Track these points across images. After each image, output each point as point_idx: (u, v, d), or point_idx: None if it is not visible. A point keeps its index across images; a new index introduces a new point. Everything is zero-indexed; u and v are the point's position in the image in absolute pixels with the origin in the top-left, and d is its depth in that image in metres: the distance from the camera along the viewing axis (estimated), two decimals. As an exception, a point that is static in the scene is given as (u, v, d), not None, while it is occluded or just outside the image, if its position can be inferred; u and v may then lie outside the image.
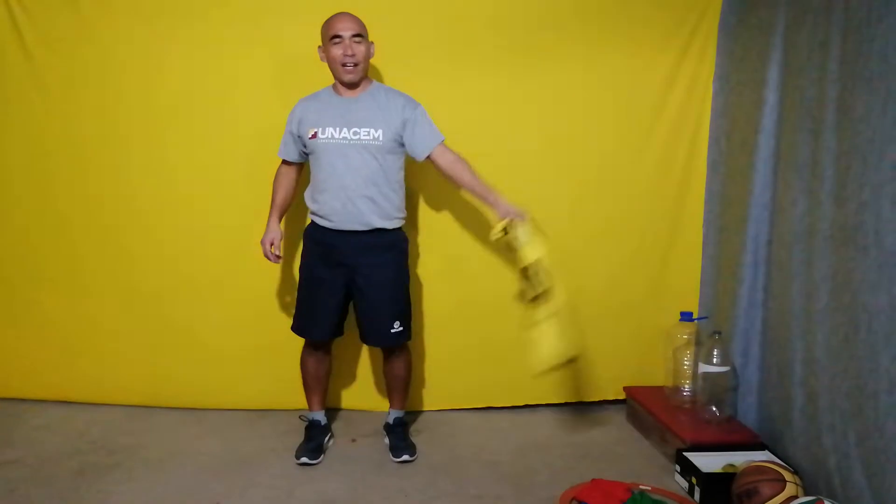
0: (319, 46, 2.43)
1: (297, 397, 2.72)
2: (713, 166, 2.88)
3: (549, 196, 2.92)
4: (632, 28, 2.81)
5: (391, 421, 2.65)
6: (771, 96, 2.44)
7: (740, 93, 2.67)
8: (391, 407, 2.69)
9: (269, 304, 2.88)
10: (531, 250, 2.38)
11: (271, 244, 2.52)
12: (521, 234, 2.39)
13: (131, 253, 2.88)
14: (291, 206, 2.69)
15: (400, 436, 2.60)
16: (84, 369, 2.95)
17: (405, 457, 2.50)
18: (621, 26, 2.81)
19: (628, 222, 2.96)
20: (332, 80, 2.48)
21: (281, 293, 2.87)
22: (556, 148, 2.91)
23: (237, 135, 2.81)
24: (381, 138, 2.39)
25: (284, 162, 2.55)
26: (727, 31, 2.77)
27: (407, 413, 2.77)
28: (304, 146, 2.47)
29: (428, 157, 2.45)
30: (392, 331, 2.50)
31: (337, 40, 2.35)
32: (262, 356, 2.92)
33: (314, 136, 2.40)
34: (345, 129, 2.38)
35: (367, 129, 2.38)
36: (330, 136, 2.38)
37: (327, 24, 2.39)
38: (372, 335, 2.55)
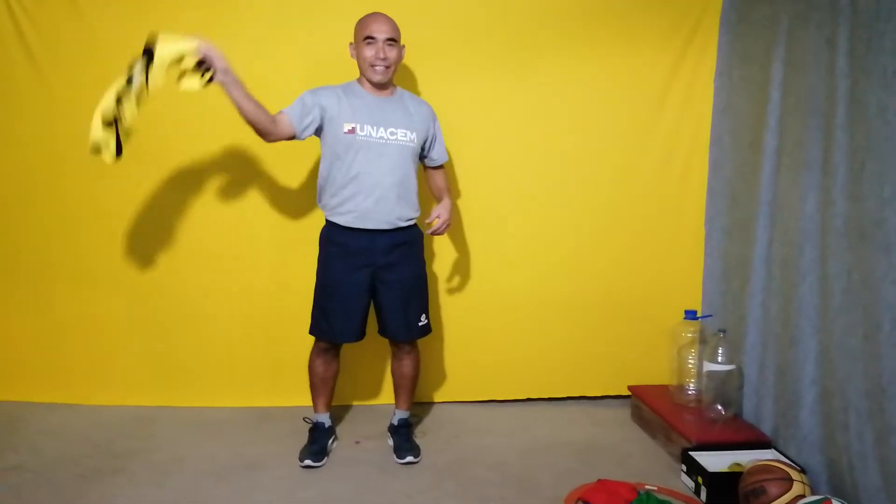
0: (351, 43, 2.43)
1: (301, 395, 2.72)
2: (715, 164, 2.86)
3: (550, 194, 2.95)
4: (632, 25, 2.81)
5: (396, 422, 2.65)
6: (775, 93, 2.42)
7: (744, 90, 2.65)
8: (396, 407, 2.68)
9: (274, 302, 2.90)
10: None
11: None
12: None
13: (134, 253, 2.88)
14: (305, 209, 2.76)
15: (404, 437, 2.59)
16: (87, 371, 2.95)
17: (409, 458, 2.49)
18: (622, 24, 2.81)
19: (629, 220, 2.97)
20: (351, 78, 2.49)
21: (286, 291, 2.87)
22: (557, 146, 2.92)
23: (242, 135, 2.78)
24: (415, 140, 2.44)
25: (280, 117, 2.32)
26: (728, 28, 2.76)
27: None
28: (314, 131, 2.40)
29: (431, 167, 2.60)
30: (420, 324, 2.54)
31: (370, 41, 2.36)
32: (267, 354, 2.94)
33: (352, 131, 2.37)
34: (381, 129, 2.39)
35: (404, 131, 2.42)
36: (368, 135, 2.38)
37: (362, 24, 2.39)
38: (400, 330, 2.54)
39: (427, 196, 2.84)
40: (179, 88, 2.14)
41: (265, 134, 2.32)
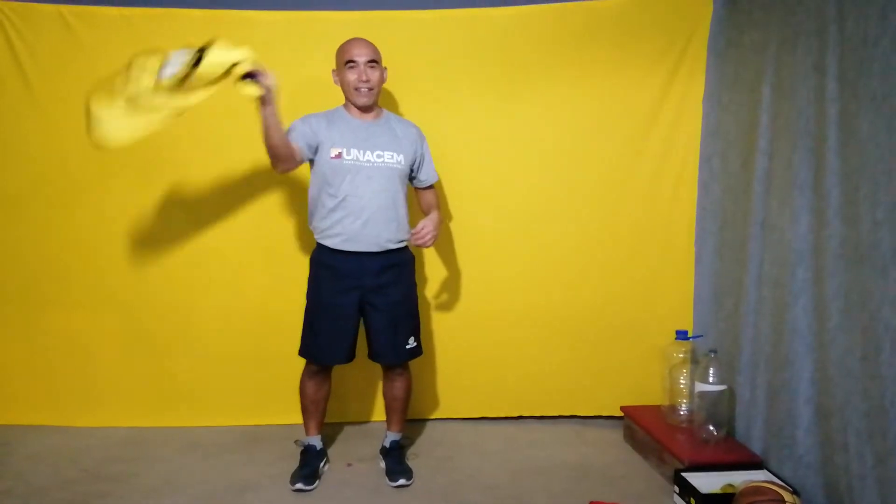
0: (334, 70, 2.46)
1: (293, 413, 2.71)
2: (705, 185, 2.89)
3: (541, 216, 2.97)
4: (622, 50, 2.85)
5: (388, 444, 2.63)
6: (764, 116, 2.45)
7: (734, 113, 2.68)
8: (388, 429, 2.67)
9: (264, 321, 2.90)
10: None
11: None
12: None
13: (124, 273, 2.87)
14: (295, 230, 2.79)
15: (396, 459, 2.58)
16: (76, 392, 2.93)
17: (402, 481, 2.47)
18: (611, 48, 2.85)
19: (620, 240, 2.98)
20: (338, 102, 2.51)
21: (277, 310, 2.87)
22: (547, 169, 2.94)
23: (234, 154, 2.82)
24: (402, 162, 2.45)
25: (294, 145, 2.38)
26: (716, 53, 2.80)
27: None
28: (314, 155, 2.42)
29: (420, 188, 2.59)
30: (407, 347, 2.53)
31: (352, 65, 2.39)
32: (258, 373, 2.94)
33: (338, 156, 2.39)
34: (368, 152, 2.41)
35: (391, 153, 2.43)
36: (355, 159, 2.40)
37: (343, 49, 2.43)
38: (388, 353, 2.54)
39: (419, 216, 2.85)
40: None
41: (283, 160, 2.35)
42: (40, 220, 2.85)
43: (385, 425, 2.70)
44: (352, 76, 2.39)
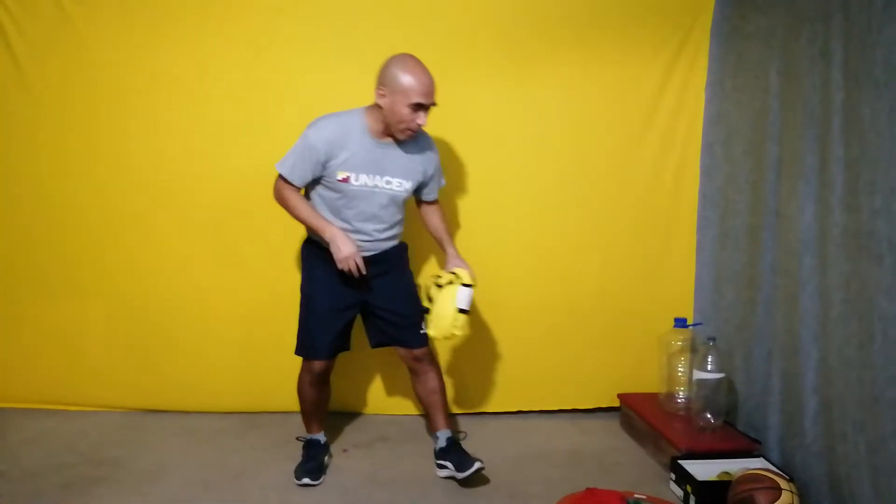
0: (383, 87, 2.23)
1: (289, 400, 2.68)
2: (707, 173, 2.87)
3: (540, 205, 2.94)
4: (623, 36, 2.81)
5: (444, 444, 2.48)
6: (774, 103, 2.42)
7: (737, 99, 2.65)
8: (438, 428, 2.53)
9: (261, 306, 2.88)
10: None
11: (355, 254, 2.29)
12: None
13: (121, 258, 2.86)
14: (291, 221, 2.69)
15: (460, 451, 2.46)
16: (72, 375, 2.92)
17: (477, 465, 2.36)
18: (613, 35, 2.81)
19: (621, 229, 2.96)
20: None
21: (274, 296, 2.84)
22: (547, 156, 2.91)
23: (232, 143, 2.79)
24: (409, 188, 2.40)
25: (289, 183, 2.33)
26: (719, 39, 2.77)
27: (398, 416, 2.73)
28: (322, 176, 2.34)
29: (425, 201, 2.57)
30: (422, 331, 2.48)
31: (418, 107, 2.23)
32: (254, 359, 2.92)
33: (345, 180, 2.30)
34: (377, 177, 2.34)
35: (399, 181, 2.37)
36: (363, 184, 2.33)
37: (411, 84, 2.19)
38: (408, 338, 2.49)
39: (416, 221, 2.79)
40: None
41: None
42: (33, 205, 2.83)
43: (428, 426, 2.62)
44: (409, 116, 2.22)
